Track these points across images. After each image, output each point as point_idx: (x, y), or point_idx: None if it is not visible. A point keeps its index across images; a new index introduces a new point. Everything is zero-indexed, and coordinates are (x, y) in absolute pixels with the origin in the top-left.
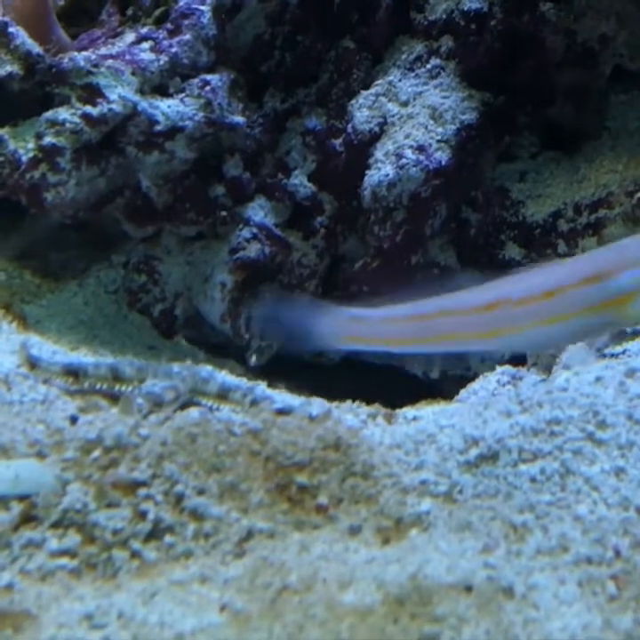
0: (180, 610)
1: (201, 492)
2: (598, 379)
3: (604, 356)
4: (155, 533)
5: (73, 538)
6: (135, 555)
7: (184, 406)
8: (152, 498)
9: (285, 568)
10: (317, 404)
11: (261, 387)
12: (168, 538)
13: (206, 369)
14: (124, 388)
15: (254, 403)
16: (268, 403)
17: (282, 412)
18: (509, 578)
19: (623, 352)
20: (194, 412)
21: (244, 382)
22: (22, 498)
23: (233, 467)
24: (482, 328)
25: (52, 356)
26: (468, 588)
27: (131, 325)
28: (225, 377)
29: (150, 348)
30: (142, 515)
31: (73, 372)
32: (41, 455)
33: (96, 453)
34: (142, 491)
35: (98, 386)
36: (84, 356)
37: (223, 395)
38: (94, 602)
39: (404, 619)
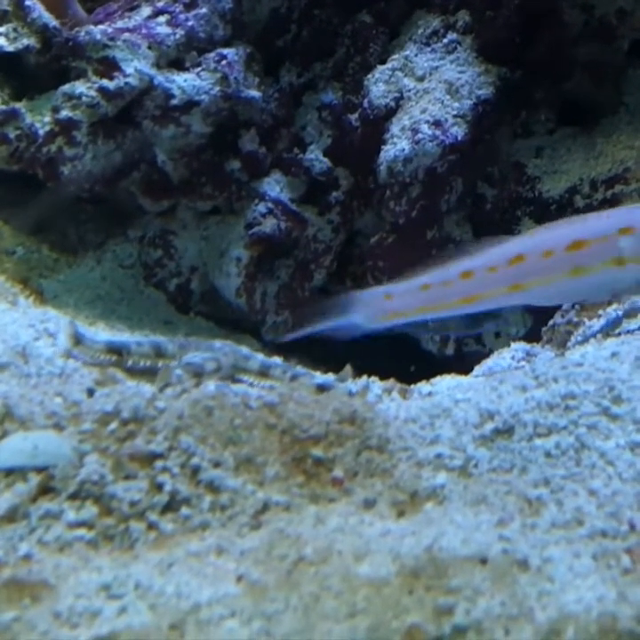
0: (196, 581)
1: (217, 464)
2: (614, 354)
3: (619, 333)
4: (171, 505)
5: (90, 509)
6: (152, 526)
7: (225, 381)
8: (169, 470)
9: (301, 540)
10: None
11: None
12: (185, 510)
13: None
14: (167, 364)
15: (294, 378)
16: (308, 378)
17: (322, 387)
18: (524, 551)
19: (639, 328)
20: (210, 385)
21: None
22: (40, 469)
23: (249, 440)
24: (509, 283)
25: (96, 334)
26: (484, 561)
27: (147, 300)
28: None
29: (166, 323)
30: (159, 487)
31: (116, 349)
32: (58, 427)
33: (113, 425)
34: (159, 463)
35: (141, 363)
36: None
37: (264, 372)
38: (112, 572)
39: (419, 590)
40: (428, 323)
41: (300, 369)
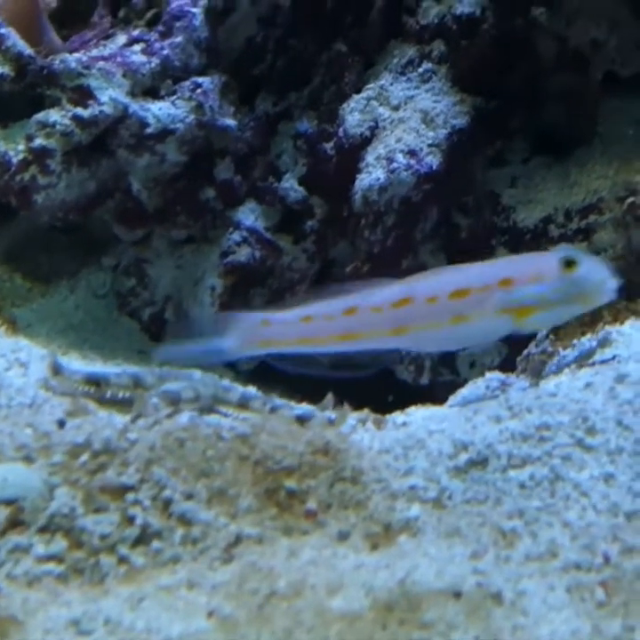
0: (167, 615)
1: (189, 496)
2: (588, 384)
3: (594, 362)
4: (142, 538)
5: (60, 543)
6: (123, 560)
7: (204, 413)
8: (140, 503)
9: (274, 574)
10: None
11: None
12: (156, 543)
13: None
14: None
15: (274, 410)
16: (287, 410)
17: (301, 418)
18: (498, 584)
19: (613, 358)
20: (183, 416)
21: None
22: (9, 502)
23: (221, 471)
24: (390, 325)
25: (75, 365)
26: (457, 594)
27: (121, 329)
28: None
29: (140, 353)
30: (130, 519)
31: (95, 380)
32: (28, 459)
33: (84, 457)
34: (130, 495)
35: (120, 394)
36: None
37: (244, 404)
38: (81, 607)
39: (393, 625)
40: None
41: (279, 401)
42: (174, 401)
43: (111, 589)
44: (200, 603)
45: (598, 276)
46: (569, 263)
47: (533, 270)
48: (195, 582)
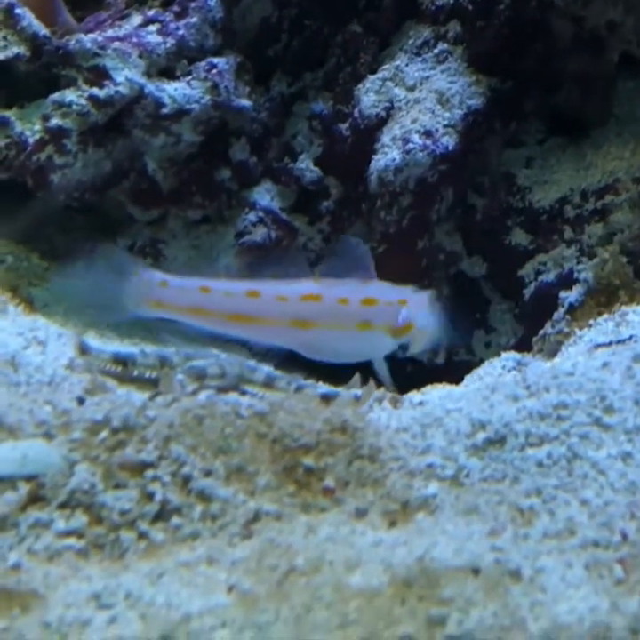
0: (187, 591)
1: (208, 473)
2: (605, 364)
3: (610, 342)
4: (162, 514)
5: (80, 518)
6: (142, 536)
7: (229, 391)
8: (159, 479)
9: (292, 550)
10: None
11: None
12: (175, 519)
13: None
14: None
15: (299, 389)
16: (312, 388)
17: (327, 396)
18: (517, 561)
19: (630, 338)
20: (201, 394)
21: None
22: (30, 478)
23: (240, 449)
24: (291, 316)
25: (102, 345)
26: (476, 571)
27: None
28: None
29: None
30: (149, 496)
31: (121, 360)
32: (48, 436)
33: (103, 434)
34: (149, 472)
35: (146, 374)
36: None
37: (269, 383)
38: (102, 582)
39: (412, 601)
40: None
41: (304, 380)
42: (200, 377)
43: (131, 565)
44: (219, 578)
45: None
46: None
47: (416, 298)
48: (214, 558)
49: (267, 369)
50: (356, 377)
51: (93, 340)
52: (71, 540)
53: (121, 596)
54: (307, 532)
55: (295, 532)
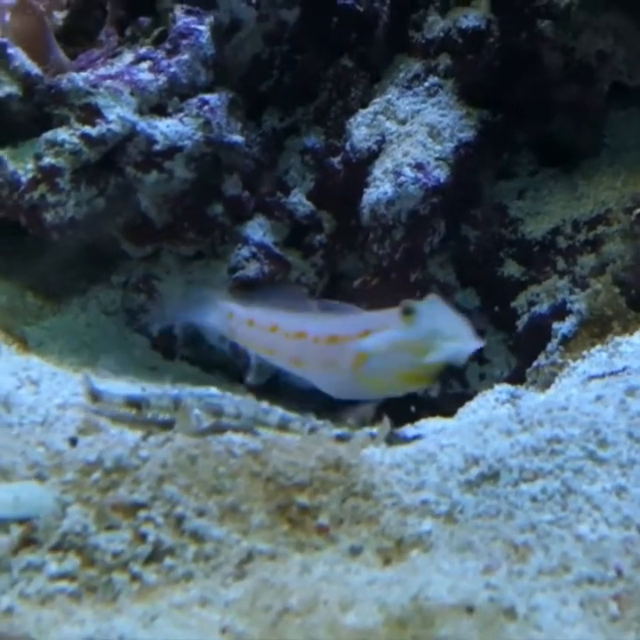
0: (180, 633)
1: (201, 513)
2: (599, 397)
3: (603, 374)
4: (155, 556)
5: (73, 561)
6: (135, 577)
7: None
8: (152, 520)
9: (286, 590)
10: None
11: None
12: (168, 560)
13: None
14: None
15: (313, 430)
16: (326, 430)
17: (341, 437)
18: (511, 598)
19: (623, 369)
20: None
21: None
22: (22, 521)
23: (233, 488)
24: (290, 354)
25: (112, 388)
26: (470, 609)
27: (132, 346)
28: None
29: (152, 369)
30: (142, 537)
31: (135, 403)
32: (41, 477)
33: (96, 475)
34: (142, 513)
35: (160, 416)
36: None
37: (284, 425)
38: (94, 625)
39: None
40: None
41: (318, 421)
42: (217, 413)
43: (124, 607)
44: (213, 620)
45: (435, 328)
46: (407, 311)
47: (382, 321)
48: (207, 599)
49: (280, 411)
50: (386, 421)
51: (102, 384)
52: (63, 583)
53: None
54: (301, 571)
55: (289, 571)
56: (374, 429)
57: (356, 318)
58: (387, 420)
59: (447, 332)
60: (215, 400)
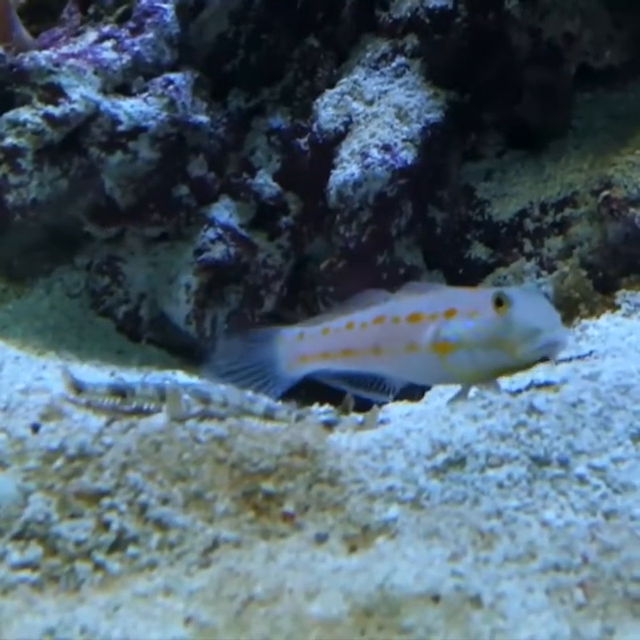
0: (144, 623)
1: (165, 501)
2: (564, 381)
3: (571, 358)
4: (118, 544)
5: (35, 550)
6: (98, 566)
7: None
8: (116, 508)
9: (251, 578)
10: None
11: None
12: (132, 548)
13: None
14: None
15: (300, 418)
16: (313, 417)
17: (329, 423)
18: (477, 587)
19: (590, 353)
20: (158, 419)
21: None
22: None
23: (198, 475)
24: (371, 344)
25: (95, 378)
26: (436, 598)
27: (96, 328)
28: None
29: (119, 353)
30: (106, 525)
31: (120, 392)
32: (2, 465)
33: (59, 462)
34: (106, 500)
35: (145, 406)
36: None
37: (269, 414)
38: (57, 616)
39: (372, 630)
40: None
41: (302, 409)
42: (205, 400)
43: (87, 597)
44: (177, 609)
45: (531, 324)
46: (500, 302)
47: (470, 303)
48: (171, 588)
49: (266, 400)
50: (348, 397)
51: (83, 375)
52: (26, 573)
53: (76, 631)
54: (266, 559)
55: (254, 559)
56: (360, 417)
57: (439, 295)
58: (376, 407)
59: (541, 326)
60: (203, 388)
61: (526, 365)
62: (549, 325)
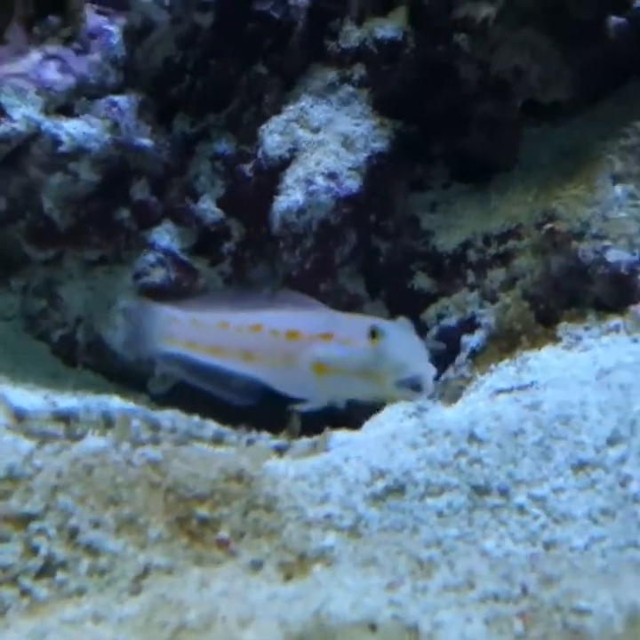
0: None
1: (97, 525)
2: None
3: (511, 388)
4: (47, 569)
5: None
6: (25, 592)
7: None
8: (45, 532)
9: (184, 605)
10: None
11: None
12: (61, 574)
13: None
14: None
15: (250, 443)
16: (264, 442)
17: (280, 449)
18: (415, 616)
19: (531, 384)
20: (91, 442)
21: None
22: None
23: (131, 499)
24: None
25: (36, 404)
26: (373, 627)
27: (31, 352)
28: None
29: (53, 376)
30: (34, 550)
31: (64, 417)
32: None
33: None
34: (35, 524)
35: (89, 432)
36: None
37: (218, 439)
38: None
39: None
40: None
41: (253, 434)
42: (154, 427)
43: (12, 623)
44: (106, 637)
45: (399, 358)
46: (374, 334)
47: (347, 330)
48: (101, 615)
49: (214, 425)
50: (295, 419)
51: (17, 399)
52: None
53: None
54: (199, 586)
55: (187, 586)
56: (310, 440)
57: (318, 315)
58: (327, 429)
59: (408, 360)
60: (151, 414)
61: (394, 397)
62: (416, 360)
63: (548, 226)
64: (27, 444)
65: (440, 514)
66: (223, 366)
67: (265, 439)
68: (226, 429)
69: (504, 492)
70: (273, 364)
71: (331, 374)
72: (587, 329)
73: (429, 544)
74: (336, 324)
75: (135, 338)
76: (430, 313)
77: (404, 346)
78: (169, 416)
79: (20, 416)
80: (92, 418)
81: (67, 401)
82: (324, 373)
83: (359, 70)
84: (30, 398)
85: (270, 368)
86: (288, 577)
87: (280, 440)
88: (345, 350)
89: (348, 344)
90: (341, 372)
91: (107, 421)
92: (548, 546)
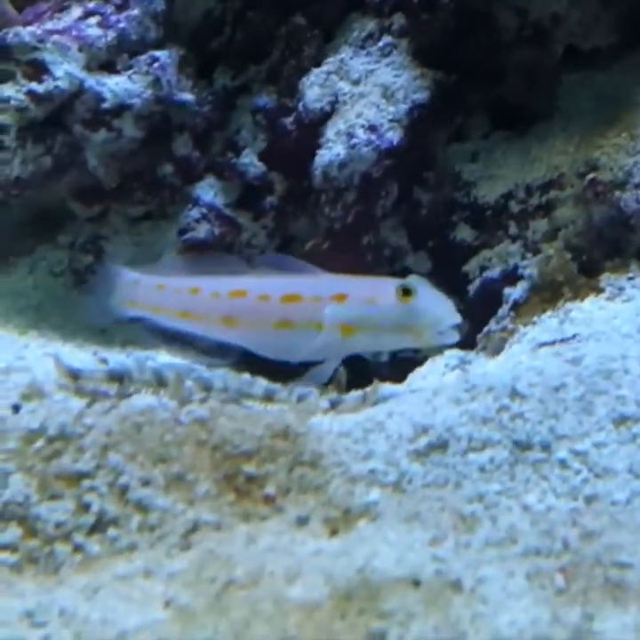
0: (123, 606)
1: (146, 483)
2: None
3: (554, 341)
4: (98, 526)
5: (14, 531)
6: (78, 548)
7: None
8: (96, 489)
9: (232, 561)
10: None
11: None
12: (112, 531)
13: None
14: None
15: (301, 399)
16: (314, 397)
17: (332, 403)
18: (458, 571)
19: (573, 337)
20: (139, 400)
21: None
22: None
23: (179, 457)
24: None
25: (90, 365)
26: (416, 582)
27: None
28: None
29: (102, 332)
30: (86, 507)
31: (117, 377)
32: None
33: (39, 444)
34: (86, 482)
35: (143, 391)
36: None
37: (269, 396)
38: (35, 598)
39: (352, 614)
40: None
41: (304, 389)
42: (207, 388)
43: (66, 579)
44: (157, 592)
45: (435, 312)
46: (406, 292)
47: (369, 292)
48: (151, 571)
49: (264, 383)
50: (342, 371)
51: (76, 362)
52: (4, 555)
53: (55, 613)
54: (247, 541)
55: (235, 541)
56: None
57: (320, 279)
58: (376, 381)
59: (445, 316)
60: (206, 374)
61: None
62: (449, 311)
63: (590, 176)
64: (77, 403)
65: (482, 469)
66: (200, 333)
67: (314, 395)
68: (276, 386)
69: (546, 447)
70: (266, 328)
71: (358, 333)
72: (630, 279)
73: (472, 499)
74: (347, 285)
75: (98, 301)
76: (472, 265)
77: (435, 300)
78: (220, 374)
79: (74, 375)
80: (145, 377)
81: (116, 357)
82: (351, 333)
83: (398, 20)
84: (79, 355)
85: (263, 333)
86: (333, 532)
87: (330, 395)
88: (373, 309)
89: (375, 303)
90: (371, 329)
91: (159, 381)
92: (589, 500)
